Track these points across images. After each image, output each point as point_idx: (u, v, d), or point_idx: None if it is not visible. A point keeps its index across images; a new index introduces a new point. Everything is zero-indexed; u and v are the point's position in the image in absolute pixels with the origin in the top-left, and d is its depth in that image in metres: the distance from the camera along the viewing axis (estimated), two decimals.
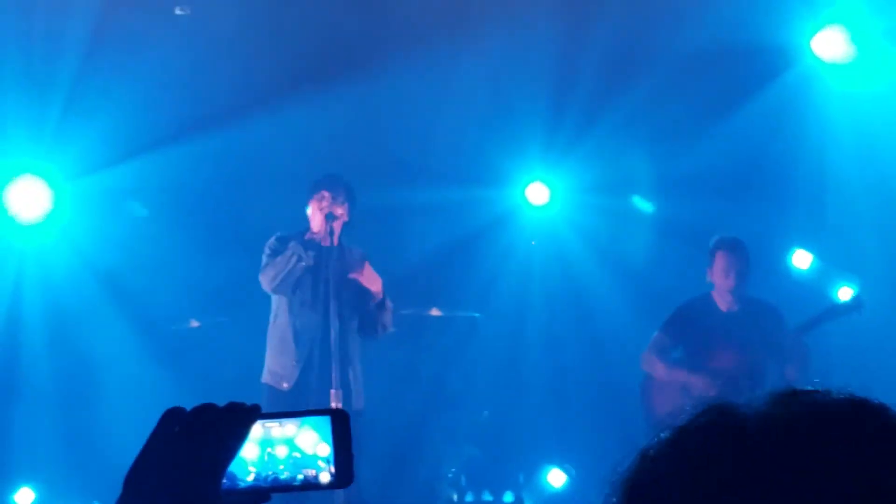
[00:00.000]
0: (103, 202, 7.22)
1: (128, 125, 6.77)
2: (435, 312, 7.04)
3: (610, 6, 6.58)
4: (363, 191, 6.16)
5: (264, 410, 1.17)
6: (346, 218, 5.77)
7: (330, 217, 5.66)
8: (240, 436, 1.14)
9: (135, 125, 6.78)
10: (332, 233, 5.67)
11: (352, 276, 5.73)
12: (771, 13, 6.71)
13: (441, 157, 7.47)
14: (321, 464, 1.19)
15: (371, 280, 5.77)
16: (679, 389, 6.04)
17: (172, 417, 1.15)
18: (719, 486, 0.90)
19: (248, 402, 1.18)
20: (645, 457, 0.97)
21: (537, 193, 7.87)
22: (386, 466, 6.18)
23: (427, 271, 7.44)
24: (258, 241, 6.12)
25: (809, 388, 0.97)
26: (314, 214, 5.78)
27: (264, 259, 5.80)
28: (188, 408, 1.16)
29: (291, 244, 5.73)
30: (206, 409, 1.15)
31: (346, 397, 5.58)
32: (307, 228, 5.83)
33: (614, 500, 0.97)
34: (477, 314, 7.35)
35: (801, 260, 7.75)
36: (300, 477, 1.19)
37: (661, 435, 0.97)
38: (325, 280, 5.65)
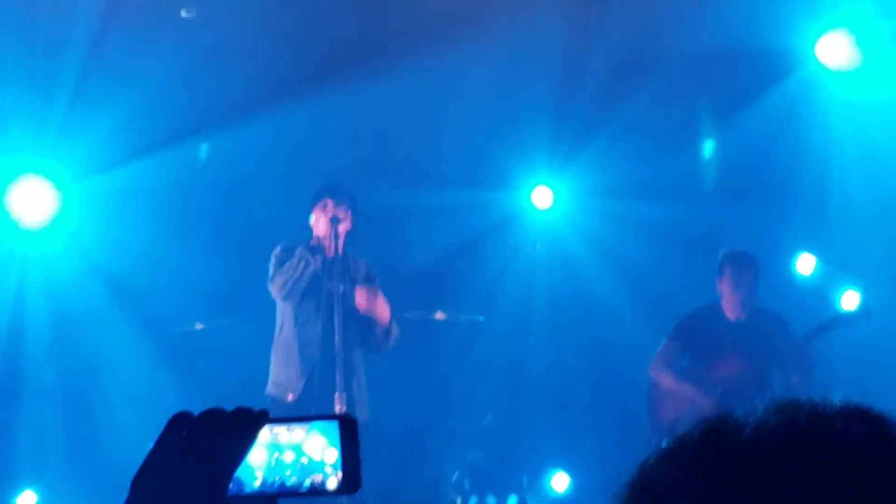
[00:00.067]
0: (113, 204, 6.98)
1: (136, 123, 6.63)
2: (439, 316, 7.04)
3: (614, 11, 6.58)
4: (368, 194, 6.16)
5: None
6: (349, 226, 5.76)
7: (335, 220, 5.66)
8: (247, 441, 1.14)
9: (143, 124, 6.66)
10: (336, 236, 5.66)
11: (361, 308, 5.71)
12: (774, 16, 6.70)
13: (445, 161, 7.47)
14: (328, 469, 1.19)
15: (380, 309, 5.75)
16: (684, 398, 6.07)
17: (180, 422, 1.15)
18: (719, 496, 0.90)
19: (252, 406, 1.18)
20: (645, 466, 0.97)
21: (542, 197, 7.87)
22: (389, 470, 6.17)
23: (431, 275, 7.44)
24: (263, 242, 6.12)
25: (810, 397, 0.97)
26: (318, 221, 5.78)
27: (272, 269, 5.80)
28: (195, 412, 1.16)
29: (298, 250, 5.74)
30: (213, 414, 1.15)
31: (350, 408, 5.58)
32: (311, 238, 5.83)
33: None
34: (481, 317, 7.34)
35: (805, 264, 7.75)
36: (307, 482, 1.19)
37: (662, 444, 0.97)
38: (329, 291, 5.65)
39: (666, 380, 6.25)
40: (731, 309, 6.27)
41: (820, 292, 7.51)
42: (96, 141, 6.66)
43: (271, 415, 1.18)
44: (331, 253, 5.68)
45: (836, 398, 0.97)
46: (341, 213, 5.72)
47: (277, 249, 5.85)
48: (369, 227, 6.14)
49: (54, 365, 6.90)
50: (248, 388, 6.13)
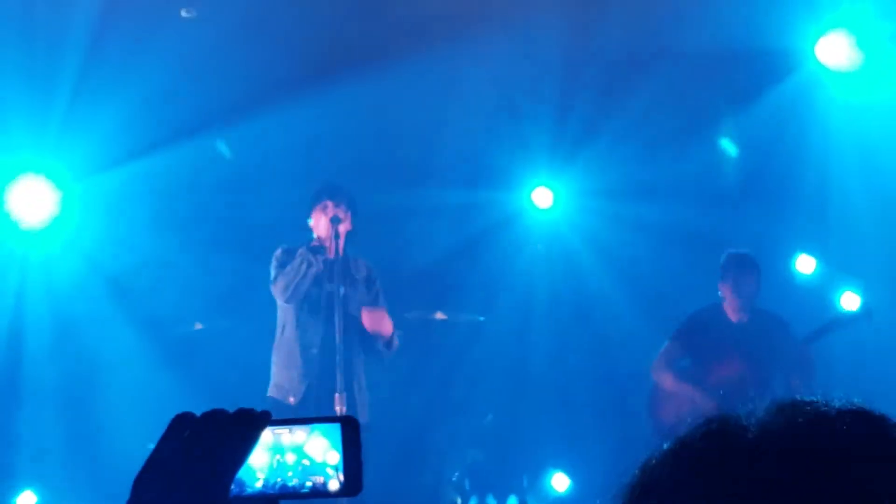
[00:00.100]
0: (114, 204, 6.90)
1: (138, 121, 6.57)
2: (439, 316, 7.04)
3: (613, 12, 6.58)
4: (369, 194, 6.15)
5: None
6: (349, 226, 5.76)
7: (335, 220, 5.66)
8: (249, 442, 1.14)
9: (145, 122, 6.61)
10: (336, 237, 5.65)
11: (367, 329, 5.72)
12: (774, 17, 6.70)
13: (446, 161, 7.47)
14: (330, 471, 1.19)
15: (385, 327, 5.75)
16: (685, 399, 6.08)
17: (182, 422, 1.15)
18: (721, 497, 0.90)
19: (253, 406, 1.19)
20: (647, 466, 0.97)
21: (542, 197, 7.87)
22: (390, 470, 6.17)
23: (432, 274, 7.44)
24: (263, 243, 6.12)
25: (810, 397, 0.98)
26: (318, 222, 5.77)
27: (273, 271, 5.79)
28: (196, 413, 1.17)
29: (300, 251, 5.73)
30: (215, 415, 1.15)
31: (351, 409, 5.58)
32: (311, 239, 5.83)
33: None
34: (481, 318, 7.34)
35: (805, 265, 7.75)
36: (308, 484, 1.19)
37: (664, 445, 0.98)
38: (329, 292, 5.65)
39: (667, 381, 6.26)
40: (733, 311, 6.28)
41: (819, 293, 7.51)
42: (98, 139, 6.55)
43: (273, 417, 1.18)
44: (332, 254, 5.68)
45: (837, 399, 0.97)
46: (341, 214, 5.71)
47: (279, 251, 5.85)
48: (370, 227, 6.14)
49: (54, 366, 6.86)
50: (248, 390, 6.12)
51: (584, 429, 7.41)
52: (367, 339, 5.83)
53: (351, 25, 6.60)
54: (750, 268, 6.25)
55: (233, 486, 1.14)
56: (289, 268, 5.70)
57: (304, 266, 5.67)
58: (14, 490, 6.74)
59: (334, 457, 1.19)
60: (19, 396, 6.81)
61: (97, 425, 6.88)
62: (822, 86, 7.13)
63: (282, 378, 5.80)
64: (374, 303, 5.93)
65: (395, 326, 6.22)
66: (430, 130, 7.34)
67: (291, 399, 5.70)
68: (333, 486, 1.19)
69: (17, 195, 6.50)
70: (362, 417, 5.68)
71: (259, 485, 1.18)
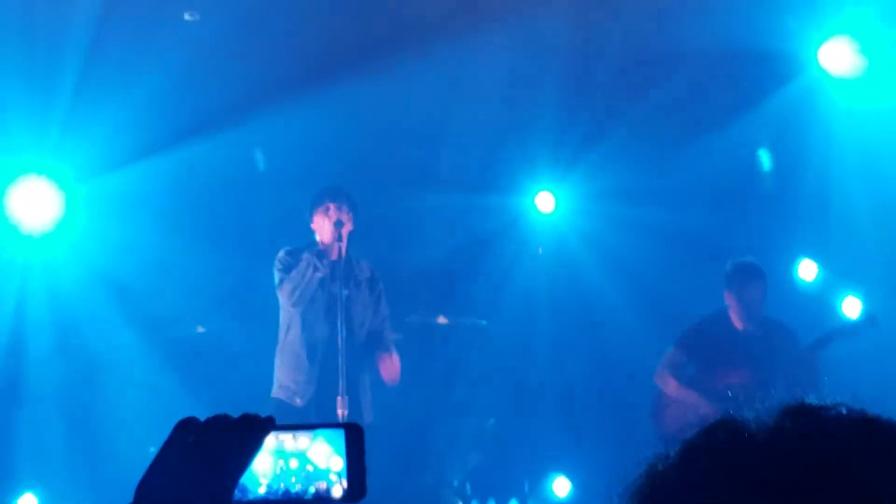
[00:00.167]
0: (118, 206, 6.80)
1: (142, 121, 6.51)
2: (441, 320, 7.04)
3: (616, 18, 6.58)
4: (372, 196, 6.16)
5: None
6: (351, 227, 5.77)
7: (339, 224, 5.67)
8: (252, 448, 1.14)
9: (149, 122, 6.55)
10: (340, 239, 5.67)
11: (384, 376, 5.74)
12: (777, 22, 6.70)
13: (449, 164, 7.47)
14: (333, 477, 1.19)
15: (396, 372, 5.76)
16: (690, 406, 6.06)
17: (186, 427, 1.15)
18: (731, 499, 0.90)
19: (257, 410, 1.18)
20: (654, 472, 0.97)
21: (545, 202, 7.88)
22: (391, 474, 6.17)
23: (434, 278, 7.44)
24: (266, 244, 6.12)
25: (817, 402, 0.98)
26: (322, 226, 5.77)
27: (278, 275, 5.79)
28: (198, 416, 1.16)
29: (305, 255, 5.73)
30: (219, 420, 1.15)
31: (356, 410, 5.59)
32: (313, 242, 5.83)
33: None
34: (483, 322, 7.34)
35: (807, 271, 7.74)
36: (312, 490, 1.19)
37: (671, 451, 0.97)
38: (334, 294, 5.66)
39: (672, 387, 6.22)
40: (738, 319, 6.24)
41: (821, 299, 7.50)
42: (100, 139, 6.45)
43: (278, 419, 1.18)
44: (335, 256, 5.69)
45: (843, 402, 0.98)
46: (344, 217, 5.72)
47: (281, 253, 5.85)
48: (373, 230, 6.14)
49: (56, 368, 6.85)
50: (251, 392, 6.12)
51: (585, 433, 7.40)
52: (371, 340, 5.85)
53: (354, 27, 6.60)
54: (756, 276, 6.20)
55: (236, 492, 1.13)
56: (294, 272, 5.70)
57: (310, 271, 5.68)
58: (15, 492, 6.73)
59: (338, 463, 1.19)
60: (21, 399, 6.80)
61: (99, 428, 6.86)
62: (824, 91, 7.13)
63: (287, 380, 5.80)
64: (376, 304, 5.95)
65: (398, 330, 6.23)
66: (434, 133, 7.34)
67: (298, 401, 5.70)
68: (337, 492, 1.19)
69: (18, 198, 6.36)
70: (366, 417, 5.69)
71: (262, 490, 1.18)
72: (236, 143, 7.03)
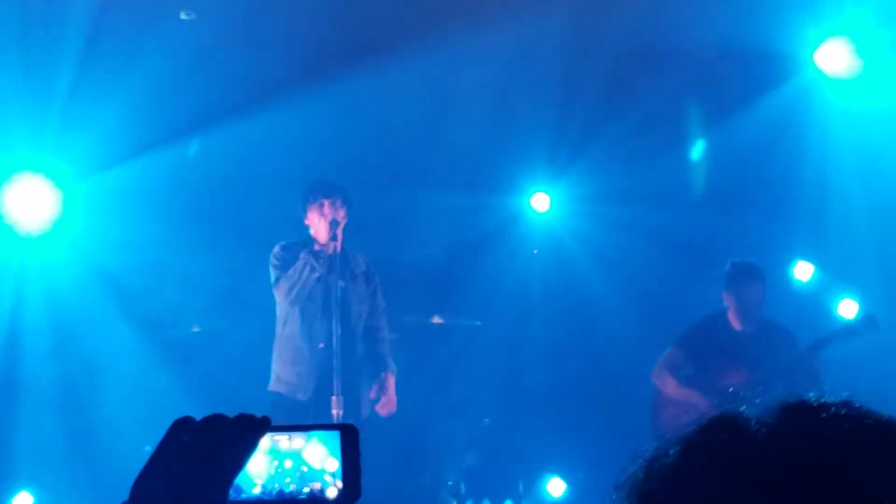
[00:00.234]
0: (116, 204, 6.76)
1: (141, 117, 6.48)
2: (436, 320, 7.05)
3: (612, 17, 6.58)
4: (367, 195, 6.16)
5: (279, 420, 1.17)
6: (345, 221, 5.77)
7: (334, 224, 5.67)
8: (248, 448, 1.14)
9: (148, 119, 6.54)
10: (335, 238, 5.68)
11: (383, 413, 5.79)
12: (774, 23, 6.70)
13: (444, 164, 7.47)
14: (328, 478, 1.19)
15: (390, 408, 5.82)
16: (688, 405, 6.06)
17: (182, 427, 1.15)
18: (731, 495, 0.90)
19: (254, 409, 1.19)
20: (652, 469, 0.97)
21: (540, 202, 7.89)
22: (386, 474, 6.17)
23: (429, 278, 7.44)
24: (263, 241, 6.12)
25: (815, 401, 0.98)
26: (318, 225, 5.77)
27: (275, 272, 5.80)
28: (194, 415, 1.17)
29: (302, 254, 5.74)
30: (215, 420, 1.15)
31: (356, 404, 5.61)
32: (309, 237, 5.83)
33: None
34: (478, 322, 7.35)
35: (803, 271, 7.75)
36: (306, 490, 1.19)
37: (670, 449, 0.97)
38: (329, 287, 5.67)
39: (670, 386, 6.21)
40: (737, 320, 6.24)
41: (817, 300, 7.50)
42: (99, 136, 6.40)
43: (277, 412, 1.19)
44: (330, 250, 5.69)
45: (842, 399, 0.98)
46: (339, 215, 5.72)
47: (277, 249, 5.86)
48: (369, 230, 6.15)
49: (52, 367, 6.84)
50: (247, 390, 6.12)
51: (580, 433, 7.40)
52: (369, 332, 5.87)
53: (351, 26, 6.60)
54: (755, 278, 6.18)
55: (230, 492, 1.13)
56: (291, 271, 5.71)
57: (306, 271, 5.69)
58: (10, 491, 6.72)
59: (333, 464, 1.19)
60: (17, 398, 6.79)
61: (94, 427, 6.85)
62: (820, 92, 7.14)
63: (287, 374, 5.80)
64: (372, 297, 5.98)
65: (393, 329, 6.24)
66: (429, 133, 7.34)
67: (300, 395, 5.70)
68: (331, 493, 1.19)
69: (14, 197, 6.29)
70: (366, 412, 5.70)
71: (257, 490, 1.18)
72: (235, 140, 7.02)
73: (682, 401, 6.13)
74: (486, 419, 7.40)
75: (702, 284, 6.56)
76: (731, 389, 6.02)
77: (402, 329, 6.73)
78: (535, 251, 8.02)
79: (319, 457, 1.19)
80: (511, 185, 7.85)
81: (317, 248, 5.78)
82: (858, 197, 7.31)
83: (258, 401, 5.73)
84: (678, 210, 7.56)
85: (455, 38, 6.45)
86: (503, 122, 7.43)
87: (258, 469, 1.18)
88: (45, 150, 6.37)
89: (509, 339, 7.60)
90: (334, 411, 5.33)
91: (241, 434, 1.14)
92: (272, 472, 1.19)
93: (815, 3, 6.64)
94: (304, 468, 1.19)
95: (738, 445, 0.94)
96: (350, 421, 1.28)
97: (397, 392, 5.93)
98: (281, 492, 1.18)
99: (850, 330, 6.51)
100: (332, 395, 5.42)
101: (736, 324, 6.23)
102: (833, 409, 0.97)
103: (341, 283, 5.66)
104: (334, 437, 1.20)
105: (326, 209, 5.73)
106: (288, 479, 1.19)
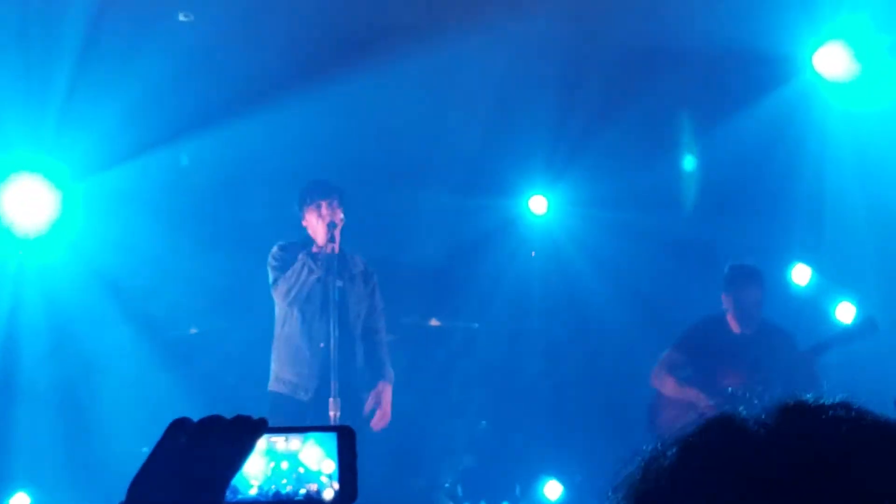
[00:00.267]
0: (114, 205, 6.74)
1: (140, 117, 6.47)
2: (434, 323, 7.05)
3: (611, 19, 6.59)
4: (365, 197, 6.16)
5: (279, 421, 1.17)
6: (343, 222, 5.77)
7: (332, 226, 5.67)
8: (245, 449, 1.14)
9: (147, 119, 6.52)
10: (332, 239, 5.68)
11: (375, 423, 5.78)
12: (772, 26, 6.70)
13: (443, 164, 7.47)
14: (324, 480, 1.19)
15: (383, 424, 5.81)
16: (688, 407, 6.06)
17: (179, 428, 1.15)
18: (730, 495, 0.90)
19: (253, 409, 1.19)
20: (650, 469, 0.97)
21: (538, 205, 7.89)
22: (383, 476, 6.17)
23: (427, 280, 7.44)
24: (261, 242, 6.12)
25: (814, 402, 0.98)
26: (316, 226, 5.76)
27: (273, 273, 5.80)
28: (192, 416, 1.17)
29: (301, 256, 5.73)
30: (212, 421, 1.15)
31: (356, 404, 5.61)
32: (307, 237, 5.83)
33: None
34: (476, 324, 7.35)
35: (801, 275, 7.75)
36: (303, 492, 1.19)
37: (669, 450, 0.97)
38: (327, 287, 5.67)
39: (669, 387, 6.21)
40: (736, 322, 6.24)
41: (815, 304, 7.51)
42: (97, 137, 6.38)
43: (276, 412, 1.19)
44: (328, 251, 5.69)
45: (841, 400, 0.98)
46: (337, 217, 5.71)
47: (275, 249, 5.86)
48: (367, 232, 6.15)
49: (51, 368, 6.83)
50: (246, 390, 6.12)
51: (577, 436, 7.41)
52: (368, 333, 5.87)
53: (349, 27, 6.61)
54: (753, 280, 6.18)
55: (227, 493, 1.14)
56: (289, 272, 5.71)
57: (304, 272, 5.69)
58: (7, 492, 6.71)
59: (329, 465, 1.19)
60: (15, 398, 6.78)
61: (91, 427, 6.85)
62: (818, 95, 7.14)
63: (288, 374, 5.79)
64: (371, 297, 5.98)
65: (390, 331, 6.24)
66: (427, 135, 7.34)
67: (302, 395, 5.70)
68: (328, 494, 1.19)
69: (11, 197, 6.26)
70: (362, 413, 5.70)
71: (253, 492, 1.18)
72: (233, 141, 7.02)
73: (681, 401, 6.12)
74: (484, 421, 7.40)
75: (700, 287, 6.56)
76: (729, 391, 6.01)
77: (399, 331, 6.73)
78: (533, 254, 8.02)
79: (316, 458, 1.19)
80: (509, 188, 7.85)
81: (315, 249, 5.78)
82: (856, 200, 7.31)
83: (257, 401, 5.73)
84: (676, 213, 7.56)
85: (455, 38, 6.45)
86: (502, 125, 7.43)
87: (255, 470, 1.18)
88: (43, 150, 6.37)
89: (507, 341, 7.61)
90: (331, 413, 5.33)
91: (238, 435, 1.14)
92: (269, 473, 1.19)
93: (813, 7, 6.64)
94: (301, 469, 1.19)
95: (736, 446, 0.94)
96: (347, 423, 1.27)
97: (395, 394, 5.92)
98: (277, 493, 1.19)
99: (849, 334, 6.51)
100: (327, 396, 5.43)
101: (735, 326, 6.23)
102: (831, 409, 0.97)
103: (339, 284, 5.66)
104: (331, 438, 1.20)
105: (324, 211, 5.72)
106: (284, 481, 1.19)
